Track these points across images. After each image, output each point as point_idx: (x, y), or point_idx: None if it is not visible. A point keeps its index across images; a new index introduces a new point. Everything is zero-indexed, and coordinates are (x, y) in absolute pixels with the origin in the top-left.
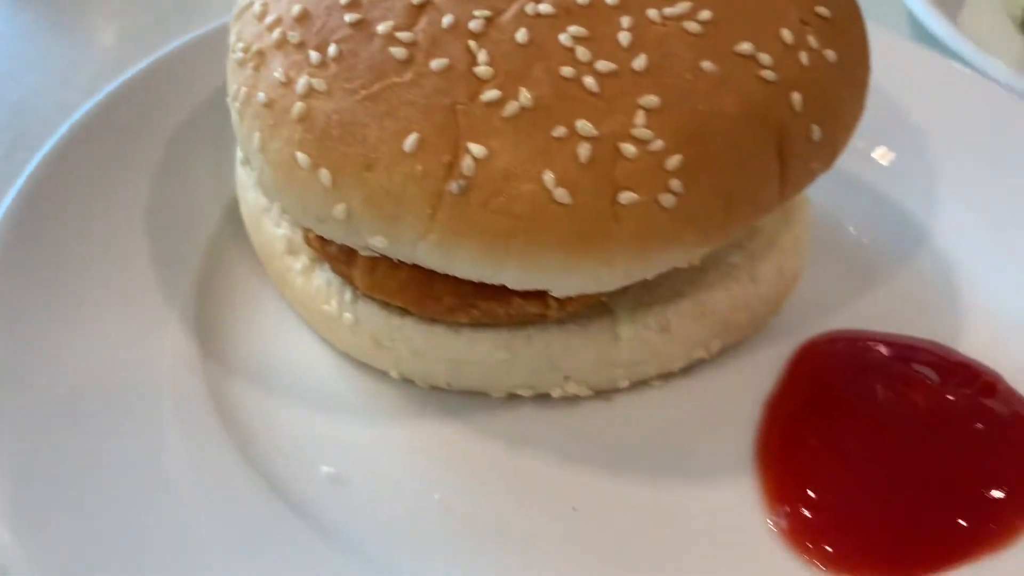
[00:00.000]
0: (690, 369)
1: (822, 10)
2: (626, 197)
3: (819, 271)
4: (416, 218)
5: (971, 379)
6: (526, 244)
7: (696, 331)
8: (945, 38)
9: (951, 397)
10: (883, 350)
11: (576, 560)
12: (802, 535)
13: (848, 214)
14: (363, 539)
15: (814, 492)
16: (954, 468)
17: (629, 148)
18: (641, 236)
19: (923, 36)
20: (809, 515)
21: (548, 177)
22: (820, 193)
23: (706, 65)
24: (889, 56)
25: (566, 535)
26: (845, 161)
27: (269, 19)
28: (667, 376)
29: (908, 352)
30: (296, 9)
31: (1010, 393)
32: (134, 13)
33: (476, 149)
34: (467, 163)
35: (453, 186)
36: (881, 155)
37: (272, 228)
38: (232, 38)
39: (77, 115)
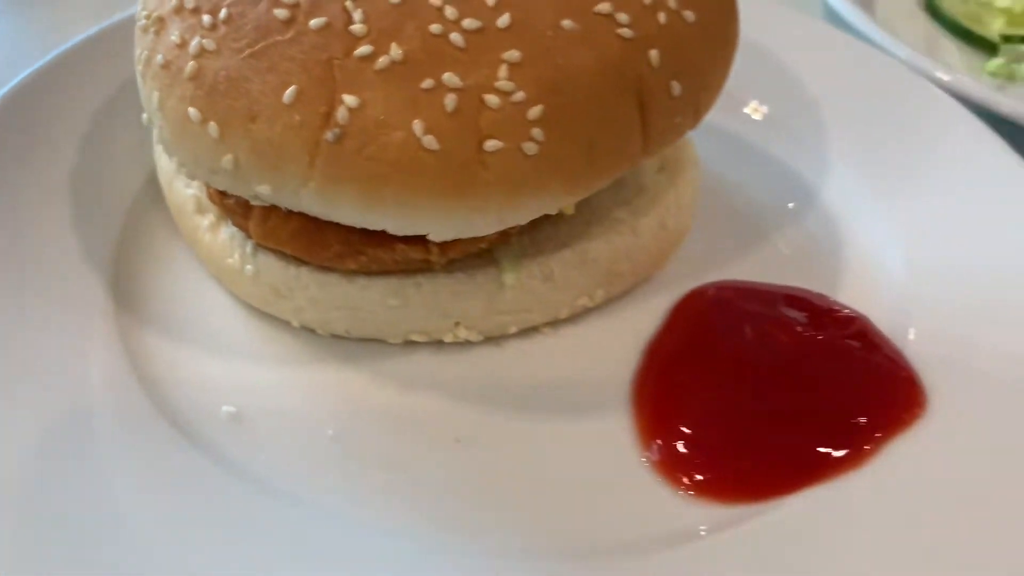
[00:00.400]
0: (578, 316)
1: None
2: (491, 145)
3: (710, 226)
4: (297, 166)
5: (838, 322)
6: (399, 189)
7: (579, 280)
8: (847, 14)
9: (818, 337)
10: (758, 298)
11: (455, 487)
12: (673, 467)
13: (741, 174)
14: (262, 472)
15: (684, 426)
16: (813, 400)
17: (493, 99)
18: (508, 182)
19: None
20: (679, 448)
21: (417, 125)
22: (715, 154)
23: (566, 23)
24: (797, 34)
25: (448, 465)
26: (743, 127)
27: None
28: (555, 323)
29: (781, 299)
30: None
31: (874, 333)
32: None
33: (350, 100)
34: (342, 113)
35: (329, 135)
36: (772, 120)
37: (183, 189)
38: (138, 7)
39: (5, 88)
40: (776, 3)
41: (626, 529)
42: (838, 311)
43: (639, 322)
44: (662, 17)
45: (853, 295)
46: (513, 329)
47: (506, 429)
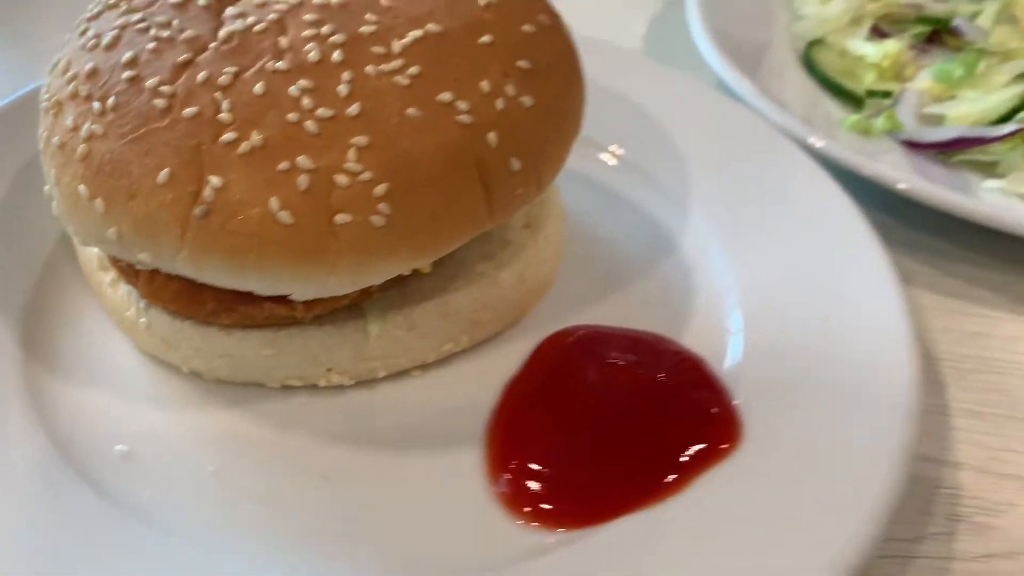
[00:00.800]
0: (446, 360)
1: (523, 63)
2: (341, 218)
3: (578, 272)
4: (170, 238)
5: (675, 363)
6: (258, 257)
7: (443, 329)
8: (722, 73)
9: (653, 378)
10: (608, 341)
11: (321, 519)
12: (518, 499)
13: (610, 224)
14: (146, 505)
15: (527, 461)
16: (643, 435)
17: (342, 178)
18: (358, 250)
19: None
20: (521, 481)
21: (273, 202)
22: (587, 205)
23: (411, 111)
24: (672, 91)
25: (316, 499)
26: (614, 179)
27: (68, 74)
28: (424, 366)
29: (628, 342)
30: (89, 66)
31: (705, 373)
32: None
33: (215, 180)
34: (208, 192)
35: (197, 211)
36: (642, 173)
37: (88, 248)
38: (43, 90)
39: None
40: (656, 64)
41: (467, 555)
42: (677, 353)
43: (503, 364)
44: (500, 103)
45: (696, 338)
46: (382, 373)
47: (370, 465)
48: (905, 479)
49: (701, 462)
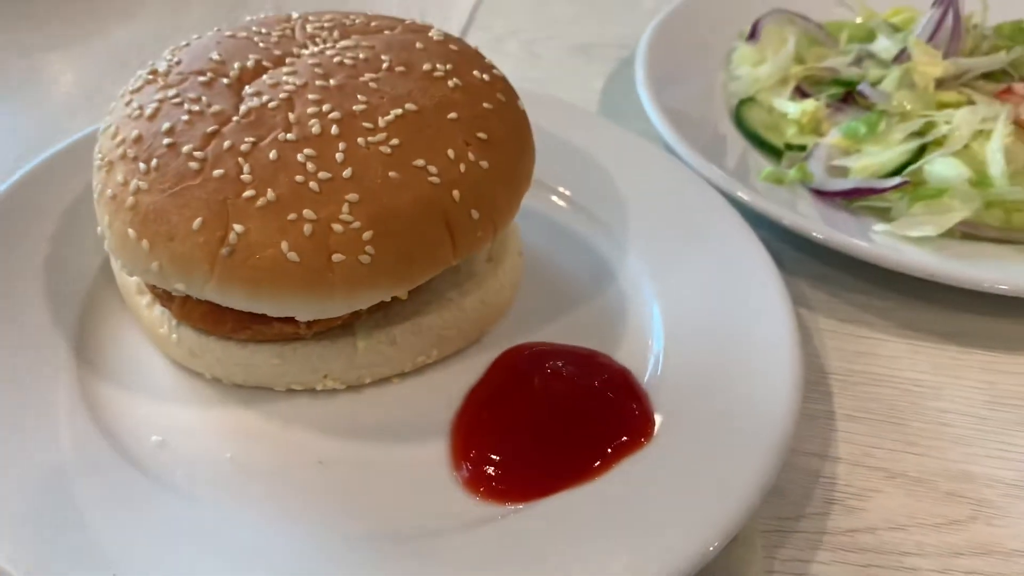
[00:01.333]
0: (421, 369)
1: (481, 135)
2: (337, 257)
3: (532, 297)
4: (200, 272)
5: (606, 373)
6: (271, 287)
7: (417, 344)
8: (665, 135)
9: (585, 385)
10: (552, 355)
11: (316, 495)
12: (475, 481)
13: (561, 257)
14: (179, 483)
15: (485, 451)
16: (574, 431)
17: (338, 227)
18: (349, 282)
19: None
20: (480, 467)
21: (284, 244)
22: (545, 241)
23: (392, 174)
24: (615, 143)
25: (313, 479)
26: (564, 219)
27: (118, 138)
28: (402, 375)
29: (568, 356)
30: (135, 133)
31: (629, 381)
32: None
33: (238, 227)
34: (232, 236)
35: (224, 251)
36: (591, 216)
37: (127, 276)
38: (96, 149)
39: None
40: (604, 120)
41: (435, 523)
42: (608, 365)
43: (467, 373)
44: (462, 167)
45: (627, 353)
46: (368, 380)
47: (357, 453)
48: (780, 464)
49: (621, 451)
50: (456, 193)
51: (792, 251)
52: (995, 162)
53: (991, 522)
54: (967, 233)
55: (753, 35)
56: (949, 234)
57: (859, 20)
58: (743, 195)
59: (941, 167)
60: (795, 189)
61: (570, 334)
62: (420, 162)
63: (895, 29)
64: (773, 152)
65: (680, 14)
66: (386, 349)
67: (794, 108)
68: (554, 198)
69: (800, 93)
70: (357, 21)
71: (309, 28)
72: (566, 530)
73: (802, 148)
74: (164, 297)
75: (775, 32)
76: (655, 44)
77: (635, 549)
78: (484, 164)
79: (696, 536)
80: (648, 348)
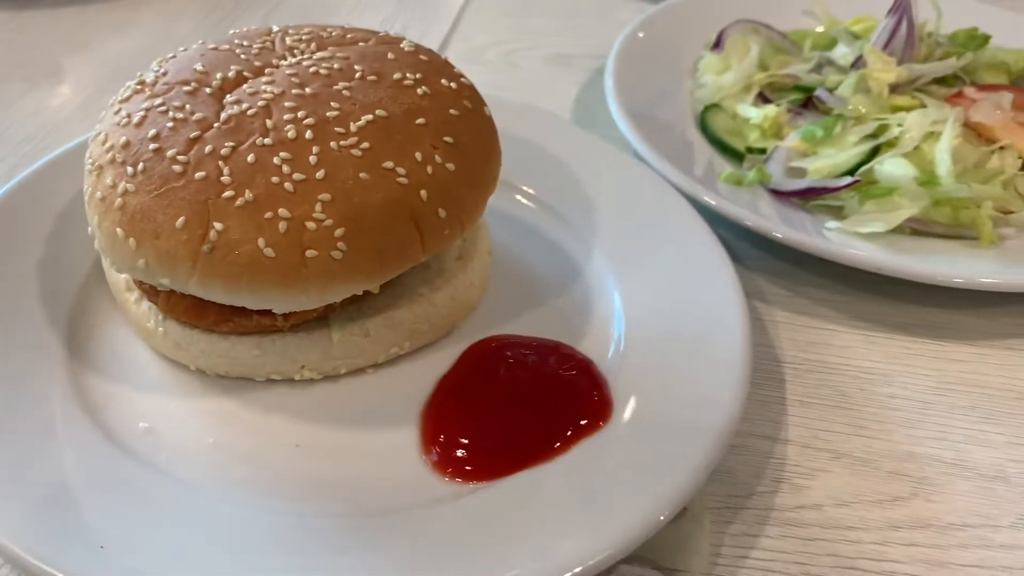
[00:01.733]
0: (394, 360)
1: (448, 139)
2: (310, 253)
3: (502, 292)
4: (184, 267)
5: (569, 363)
6: (250, 281)
7: (390, 336)
8: (632, 141)
9: (548, 373)
10: (519, 346)
11: (294, 477)
12: (444, 464)
13: (530, 254)
14: (166, 467)
15: (452, 435)
16: (537, 415)
17: (311, 224)
18: (322, 276)
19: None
20: (448, 450)
21: (261, 241)
22: (517, 240)
23: (363, 175)
24: (584, 147)
25: (290, 463)
26: (534, 220)
27: (107, 144)
28: (376, 366)
29: (534, 347)
30: (123, 139)
31: (590, 370)
32: None
33: (218, 225)
34: (213, 234)
35: (205, 248)
36: (559, 215)
37: (117, 273)
38: (87, 155)
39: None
40: (575, 127)
41: (406, 500)
42: (571, 355)
43: (437, 364)
44: (430, 169)
45: (590, 343)
46: (344, 370)
47: (332, 438)
48: (726, 445)
49: (580, 433)
50: (424, 193)
51: (752, 248)
52: (943, 162)
53: (930, 498)
54: (916, 229)
55: (718, 44)
56: (899, 231)
57: (821, 28)
58: (704, 196)
59: (891, 167)
60: (756, 190)
61: (537, 327)
62: (389, 164)
63: (855, 37)
64: (736, 156)
65: (649, 25)
66: (360, 341)
67: (756, 113)
68: (524, 199)
69: (763, 99)
70: (334, 34)
71: (288, 40)
72: (527, 504)
73: (763, 151)
74: (151, 292)
75: (740, 41)
76: (625, 54)
77: (589, 520)
78: (450, 166)
79: (645, 509)
80: (609, 338)
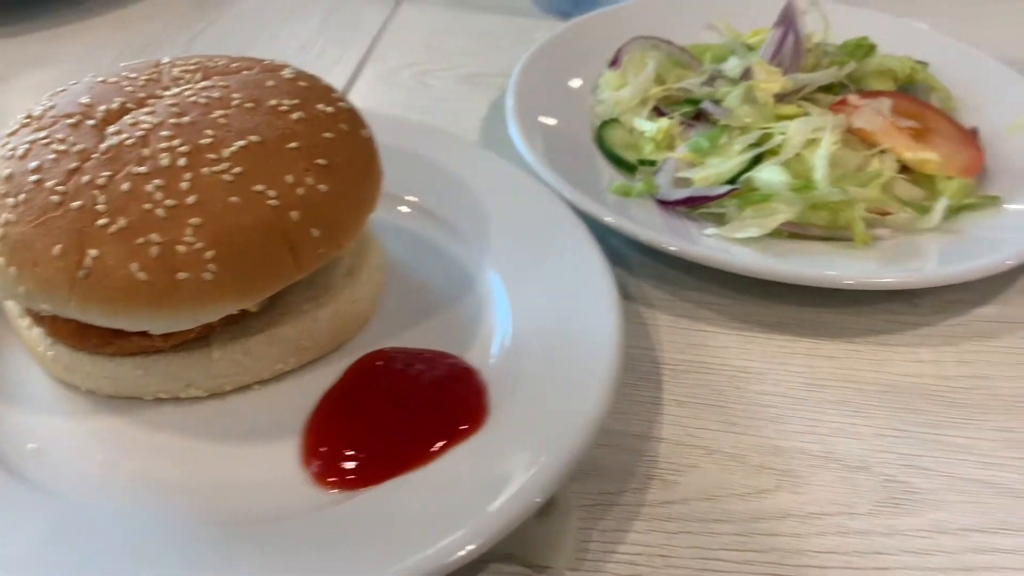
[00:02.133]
0: (280, 376)
1: (321, 161)
2: (181, 275)
3: (393, 308)
4: (62, 293)
5: (451, 372)
6: (125, 305)
7: (273, 353)
8: (527, 157)
9: (430, 382)
10: (404, 357)
11: (179, 491)
12: (326, 476)
13: (425, 267)
14: (48, 485)
15: (332, 447)
16: (417, 421)
17: (182, 248)
18: (195, 297)
19: None
20: (330, 462)
21: (134, 266)
22: (409, 258)
23: (233, 199)
24: (489, 170)
25: (176, 478)
26: (430, 235)
27: None
28: (263, 381)
29: (419, 358)
30: (6, 172)
31: (472, 378)
32: None
33: (93, 252)
34: (88, 260)
35: (80, 273)
36: (453, 229)
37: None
38: None
39: None
40: (475, 145)
41: (288, 508)
42: (455, 364)
43: (325, 379)
44: (301, 191)
45: (477, 352)
46: (229, 387)
47: (218, 454)
48: (587, 445)
49: (459, 437)
50: (295, 214)
51: (639, 256)
52: (819, 167)
53: (794, 490)
54: (795, 233)
55: (616, 61)
56: (778, 234)
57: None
58: (588, 207)
59: (768, 174)
60: (647, 201)
61: (427, 339)
62: (260, 187)
63: (749, 49)
64: (629, 169)
65: (553, 44)
66: (241, 359)
67: (650, 126)
68: (420, 215)
69: (659, 113)
70: (220, 63)
71: (175, 71)
72: (399, 505)
73: (653, 163)
74: (37, 317)
75: (637, 57)
76: (528, 72)
77: (455, 514)
78: (323, 187)
79: (510, 505)
80: (495, 346)
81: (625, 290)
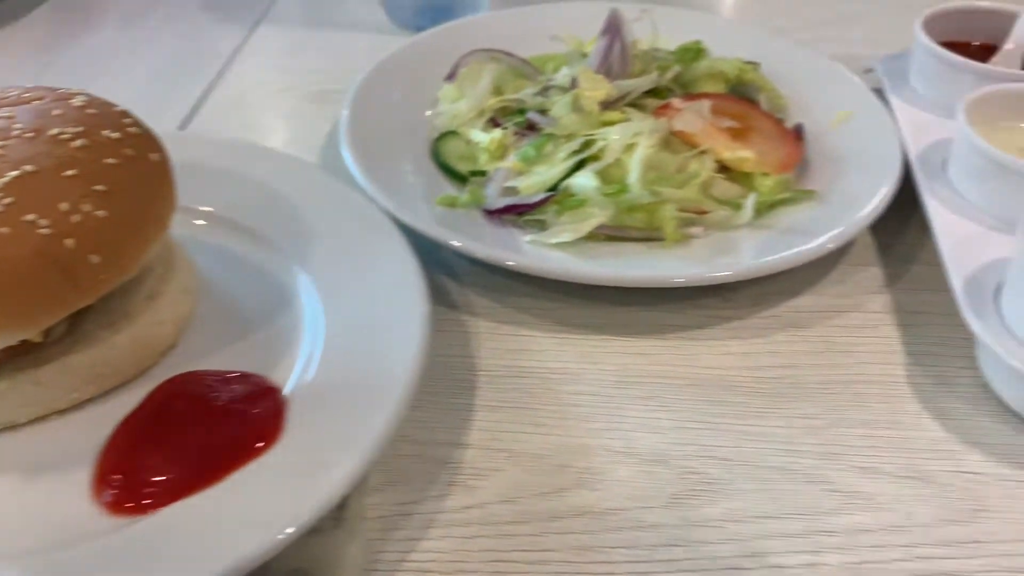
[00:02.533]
0: (80, 405)
1: (99, 187)
2: None
3: (204, 330)
4: None
5: (252, 392)
6: None
7: (67, 383)
8: (355, 172)
9: (227, 403)
10: (203, 381)
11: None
12: (121, 503)
13: (243, 291)
14: None
15: (125, 474)
16: (216, 443)
17: None
18: None
19: None
20: (120, 489)
21: None
22: (229, 279)
23: (2, 230)
24: (315, 188)
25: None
26: (248, 254)
27: None
28: (61, 411)
29: (219, 380)
30: None
31: (277, 398)
32: None
33: None
34: None
35: None
36: (269, 247)
37: None
38: None
39: None
40: (304, 161)
41: (71, 538)
42: (259, 383)
43: (126, 405)
44: (76, 217)
45: (285, 370)
46: (24, 419)
47: (8, 488)
48: (372, 459)
49: (253, 454)
50: (70, 241)
51: (467, 265)
52: (633, 170)
53: (593, 487)
54: (612, 235)
55: (452, 75)
56: (595, 238)
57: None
58: (405, 218)
59: (582, 180)
60: (473, 212)
61: (237, 359)
62: (31, 217)
63: (584, 57)
64: (462, 180)
65: (398, 57)
66: (32, 390)
67: (484, 137)
68: (241, 234)
69: (494, 123)
70: (12, 94)
71: None
72: (183, 525)
73: (483, 174)
74: None
75: (474, 69)
76: (369, 86)
77: (238, 530)
78: (100, 213)
79: (292, 515)
80: (300, 363)
81: (449, 299)
